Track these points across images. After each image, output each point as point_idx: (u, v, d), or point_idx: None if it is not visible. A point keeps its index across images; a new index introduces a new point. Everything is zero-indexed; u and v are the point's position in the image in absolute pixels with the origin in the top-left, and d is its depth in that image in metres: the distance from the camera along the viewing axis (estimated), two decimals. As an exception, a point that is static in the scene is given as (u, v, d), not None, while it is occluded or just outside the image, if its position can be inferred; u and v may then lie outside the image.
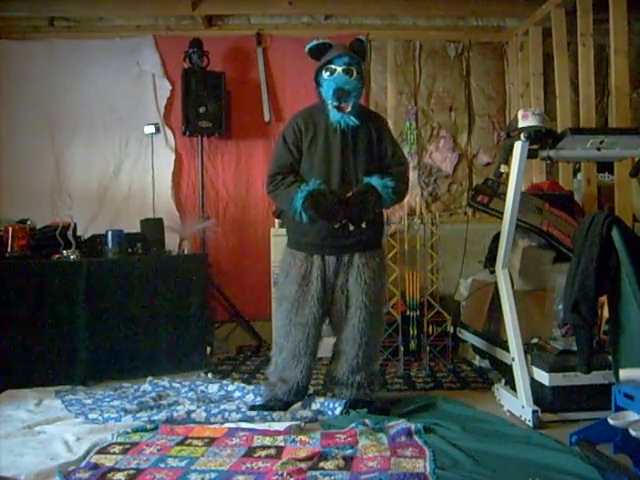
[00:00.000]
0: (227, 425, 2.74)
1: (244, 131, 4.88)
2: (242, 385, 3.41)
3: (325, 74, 2.85)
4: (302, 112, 2.99)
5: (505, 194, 3.14)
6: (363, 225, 2.82)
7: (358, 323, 2.87)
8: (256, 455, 2.35)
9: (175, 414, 2.83)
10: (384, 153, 2.92)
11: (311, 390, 3.14)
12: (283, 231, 3.21)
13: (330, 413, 2.83)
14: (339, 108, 2.81)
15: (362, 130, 2.89)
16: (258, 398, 3.14)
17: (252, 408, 2.93)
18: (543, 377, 2.81)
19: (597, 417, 2.38)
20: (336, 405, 2.85)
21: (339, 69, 2.82)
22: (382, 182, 2.80)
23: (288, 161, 2.88)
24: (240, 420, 2.79)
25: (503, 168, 3.12)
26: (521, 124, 2.94)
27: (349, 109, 2.81)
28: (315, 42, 2.88)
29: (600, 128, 4.26)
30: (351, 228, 2.81)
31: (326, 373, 3.13)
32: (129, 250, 3.89)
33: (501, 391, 3.05)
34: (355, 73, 2.84)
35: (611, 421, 2.16)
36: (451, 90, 5.04)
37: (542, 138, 2.96)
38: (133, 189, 4.80)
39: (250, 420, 2.79)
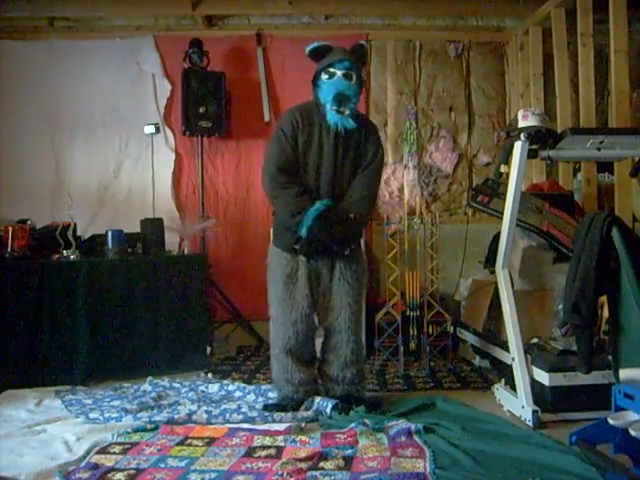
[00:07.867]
0: (227, 425, 2.74)
1: (244, 131, 4.88)
2: (243, 385, 3.41)
3: (324, 77, 2.85)
4: (299, 108, 2.95)
5: (505, 194, 3.14)
6: (347, 252, 2.90)
7: (344, 322, 2.91)
8: (256, 455, 2.35)
9: (176, 415, 2.83)
10: (365, 156, 2.93)
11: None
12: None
13: (324, 412, 2.83)
14: (338, 111, 2.81)
15: (355, 136, 2.89)
16: (260, 398, 3.15)
17: (265, 407, 2.94)
18: (543, 377, 2.82)
19: (597, 417, 2.38)
20: (328, 404, 2.85)
21: (339, 73, 2.82)
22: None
23: (289, 158, 2.85)
24: (241, 421, 2.79)
25: (503, 168, 3.13)
26: (521, 124, 2.94)
27: (348, 112, 2.82)
28: (316, 44, 2.87)
29: (600, 128, 4.25)
30: (346, 252, 2.89)
31: (318, 371, 3.13)
32: (129, 250, 3.89)
33: (501, 391, 3.04)
34: (355, 78, 2.85)
35: (611, 421, 2.16)
36: (451, 90, 5.04)
37: (542, 138, 2.96)
38: (133, 189, 4.80)
39: (251, 421, 2.79)
